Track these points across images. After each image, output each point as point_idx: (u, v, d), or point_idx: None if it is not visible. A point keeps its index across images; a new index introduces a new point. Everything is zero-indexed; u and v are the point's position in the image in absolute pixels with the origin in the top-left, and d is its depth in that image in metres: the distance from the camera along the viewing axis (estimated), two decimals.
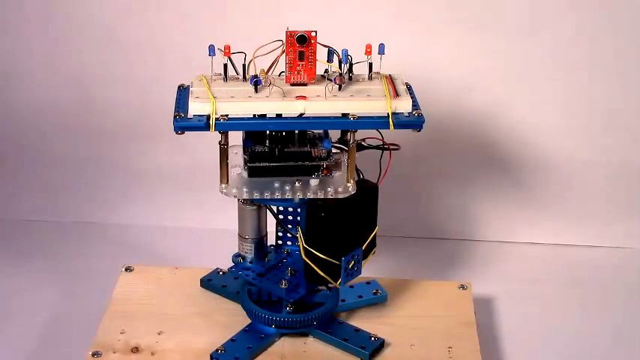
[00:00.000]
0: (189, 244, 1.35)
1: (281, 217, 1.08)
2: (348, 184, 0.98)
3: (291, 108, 0.93)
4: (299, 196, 0.97)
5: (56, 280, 1.25)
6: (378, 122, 0.94)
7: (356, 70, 0.98)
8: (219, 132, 0.94)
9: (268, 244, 1.08)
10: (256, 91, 0.94)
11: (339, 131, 1.00)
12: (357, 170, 1.01)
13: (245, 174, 0.99)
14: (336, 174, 1.00)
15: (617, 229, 1.38)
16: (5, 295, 1.22)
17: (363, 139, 1.01)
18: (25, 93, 1.36)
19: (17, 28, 1.32)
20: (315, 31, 0.94)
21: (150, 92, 1.33)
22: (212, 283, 1.15)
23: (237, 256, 1.06)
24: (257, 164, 0.98)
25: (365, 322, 1.08)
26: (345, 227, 0.99)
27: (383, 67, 0.98)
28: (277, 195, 0.97)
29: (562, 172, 1.36)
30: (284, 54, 0.95)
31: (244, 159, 0.99)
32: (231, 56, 0.95)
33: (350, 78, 0.97)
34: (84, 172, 1.40)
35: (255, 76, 0.94)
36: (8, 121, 1.38)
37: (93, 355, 1.02)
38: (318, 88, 0.95)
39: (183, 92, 1.00)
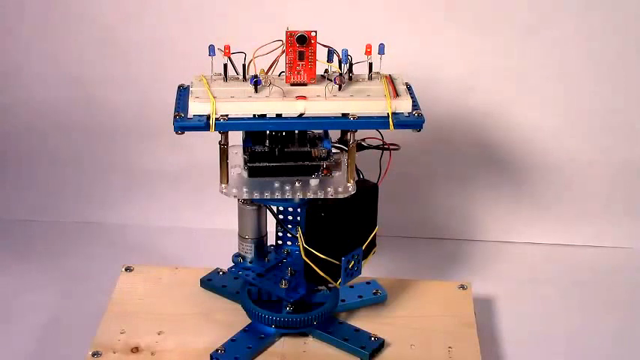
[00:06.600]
0: (189, 244, 1.35)
1: (281, 217, 1.08)
2: (348, 184, 0.98)
3: (291, 108, 0.93)
4: (299, 196, 0.97)
5: (56, 280, 1.25)
6: (378, 122, 0.94)
7: (356, 70, 0.98)
8: (219, 132, 0.94)
9: (268, 244, 1.08)
10: (256, 91, 0.94)
11: (339, 131, 1.00)
12: (357, 170, 1.01)
13: (245, 174, 0.99)
14: (336, 174, 1.00)
15: (617, 229, 1.38)
16: (5, 295, 1.22)
17: (363, 139, 1.01)
18: (25, 92, 1.36)
19: (17, 27, 1.32)
20: (315, 31, 0.94)
21: (150, 92, 1.33)
22: (212, 283, 1.15)
23: (237, 256, 1.06)
24: (257, 164, 0.98)
25: (365, 322, 1.08)
26: (345, 227, 0.99)
27: (383, 67, 0.98)
28: (277, 195, 0.97)
29: (562, 172, 1.36)
30: (284, 54, 0.95)
31: (244, 159, 0.99)
32: (231, 56, 0.95)
33: (350, 78, 0.97)
34: (83, 172, 1.40)
35: (255, 76, 0.94)
36: (8, 120, 1.38)
37: (93, 355, 1.02)
38: (318, 88, 0.95)
39: (183, 92, 0.99)
